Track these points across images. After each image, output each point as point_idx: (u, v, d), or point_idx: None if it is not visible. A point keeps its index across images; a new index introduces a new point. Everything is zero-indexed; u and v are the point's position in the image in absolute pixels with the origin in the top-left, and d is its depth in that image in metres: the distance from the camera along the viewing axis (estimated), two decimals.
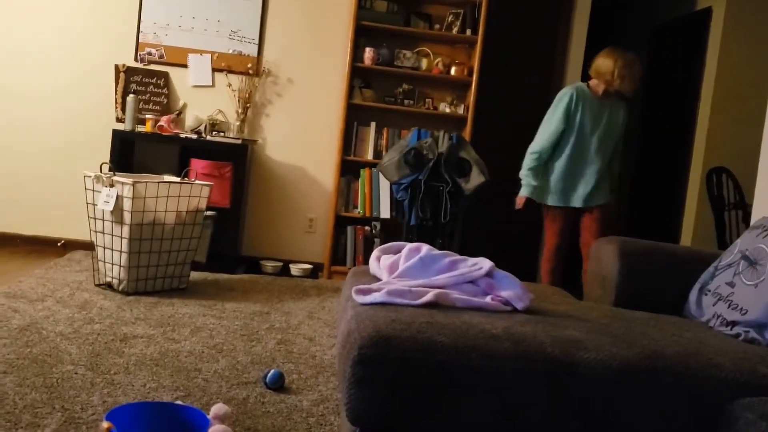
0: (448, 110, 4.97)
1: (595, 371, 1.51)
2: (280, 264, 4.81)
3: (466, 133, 4.84)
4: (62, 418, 2.11)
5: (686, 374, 1.57)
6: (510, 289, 1.90)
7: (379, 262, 2.09)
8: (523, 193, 3.85)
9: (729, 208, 4.68)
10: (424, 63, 4.92)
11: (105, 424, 1.41)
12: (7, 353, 2.60)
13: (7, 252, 4.48)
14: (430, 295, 1.77)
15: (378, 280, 2.03)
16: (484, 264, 1.95)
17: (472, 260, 1.97)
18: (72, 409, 2.17)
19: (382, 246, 2.18)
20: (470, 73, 4.87)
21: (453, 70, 4.90)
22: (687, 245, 5.33)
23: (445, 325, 1.59)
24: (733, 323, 2.01)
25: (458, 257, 1.99)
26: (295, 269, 4.78)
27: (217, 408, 2.14)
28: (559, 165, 3.79)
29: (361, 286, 1.83)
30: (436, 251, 2.00)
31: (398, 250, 2.13)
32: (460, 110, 4.95)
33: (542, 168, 3.82)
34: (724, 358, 1.65)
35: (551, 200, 3.82)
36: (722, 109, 5.12)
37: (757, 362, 1.66)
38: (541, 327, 1.69)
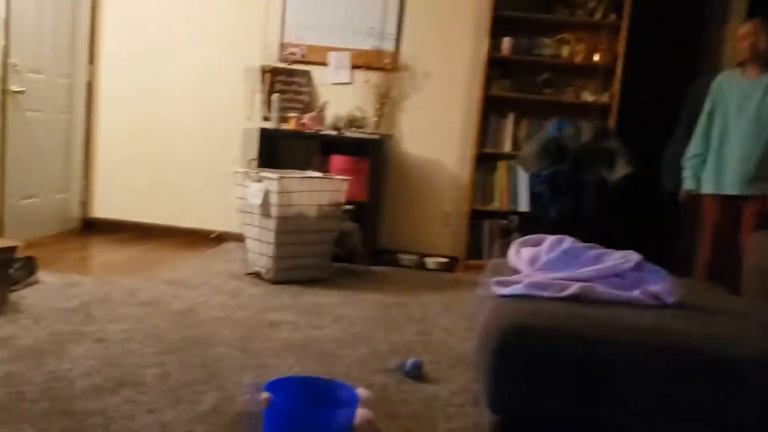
0: (590, 99, 4.79)
1: (751, 367, 1.43)
2: (417, 257, 4.86)
3: (611, 122, 4.66)
4: (218, 396, 2.27)
5: None
6: (659, 283, 1.82)
7: (518, 254, 2.07)
8: (684, 186, 3.68)
9: None
10: (564, 50, 4.78)
11: (265, 395, 1.51)
12: (169, 335, 2.84)
13: (166, 243, 4.86)
14: (574, 288, 1.73)
15: (517, 272, 2.02)
16: (632, 257, 1.88)
17: (618, 253, 1.91)
18: (227, 388, 2.34)
19: (523, 238, 2.16)
20: (614, 60, 4.68)
21: (596, 57, 4.73)
22: None
23: (589, 317, 1.56)
24: None
25: (604, 250, 1.93)
26: (431, 262, 4.82)
27: (360, 391, 2.21)
28: (710, 151, 3.57)
29: (501, 278, 1.83)
30: (581, 243, 1.95)
31: (539, 243, 2.10)
32: (604, 98, 4.76)
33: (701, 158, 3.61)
34: None
35: (704, 188, 3.60)
36: None
37: None
38: (693, 322, 1.61)
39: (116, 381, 2.32)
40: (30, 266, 3.36)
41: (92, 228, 5.11)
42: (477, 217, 4.84)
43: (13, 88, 4.17)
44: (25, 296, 3.16)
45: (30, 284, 3.29)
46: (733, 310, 1.84)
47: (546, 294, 1.71)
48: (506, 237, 4.81)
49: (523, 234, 4.69)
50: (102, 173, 5.16)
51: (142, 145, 5.11)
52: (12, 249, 3.17)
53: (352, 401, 1.79)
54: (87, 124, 5.08)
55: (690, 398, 1.43)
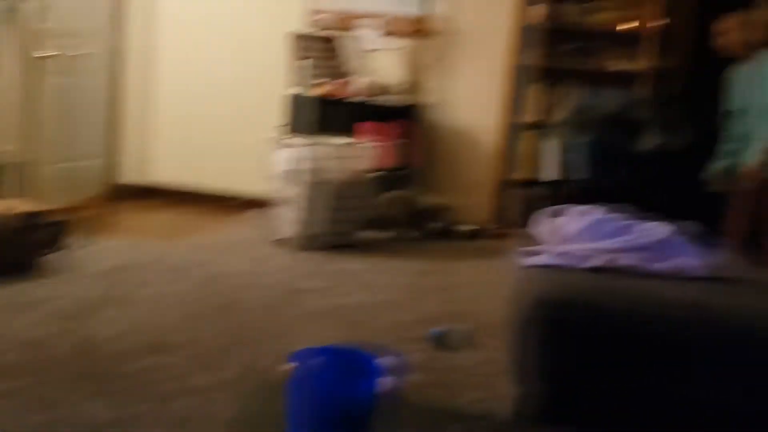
0: (627, 67, 4.65)
1: None
2: (445, 225, 4.83)
3: (648, 91, 4.52)
4: (245, 362, 2.28)
5: None
6: (691, 255, 1.76)
7: (547, 224, 2.03)
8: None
9: None
10: (600, 17, 4.63)
11: (289, 365, 1.50)
12: (197, 300, 2.86)
13: (193, 208, 4.89)
14: (599, 259, 1.69)
15: (546, 242, 1.97)
16: (663, 229, 1.82)
17: (649, 224, 1.85)
18: (254, 354, 2.35)
19: (550, 208, 2.11)
20: (652, 27, 4.52)
21: (633, 24, 4.57)
22: None
23: (619, 290, 1.53)
24: None
25: (634, 220, 1.87)
26: (459, 231, 4.78)
27: (388, 359, 2.21)
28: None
29: (529, 248, 1.79)
30: (611, 213, 1.90)
31: (566, 213, 2.05)
32: (641, 66, 4.62)
33: None
34: None
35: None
36: None
37: None
38: (732, 297, 1.56)
39: (144, 345, 2.35)
40: (59, 230, 3.39)
41: (128, 193, 5.16)
42: (506, 186, 4.77)
43: (50, 52, 4.19)
44: (54, 260, 3.21)
45: (59, 248, 3.33)
46: None
47: (572, 263, 1.67)
48: (535, 205, 4.73)
49: (551, 204, 4.62)
50: (144, 138, 5.19)
51: (188, 108, 5.10)
52: (41, 213, 3.20)
53: (379, 370, 1.78)
54: (118, 90, 5.11)
55: (730, 377, 1.38)
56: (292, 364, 1.61)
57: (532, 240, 2.03)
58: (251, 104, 5.04)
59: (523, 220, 4.86)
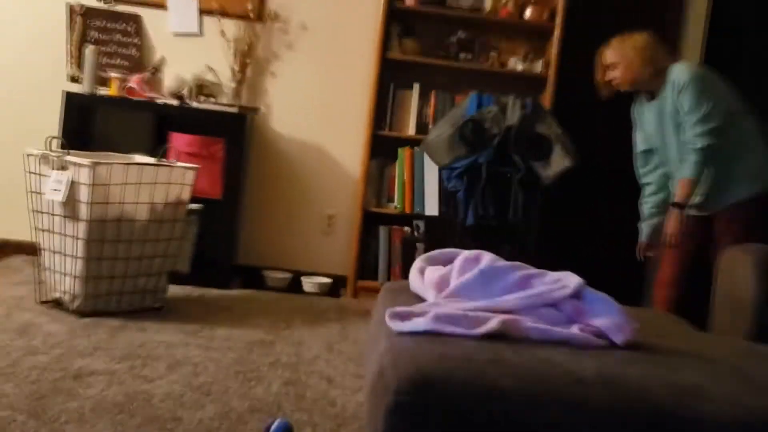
0: (520, 67, 4.92)
1: (720, 426, 1.50)
2: (289, 276, 4.83)
3: (546, 100, 4.80)
4: None
5: None
6: (606, 316, 1.88)
7: (424, 275, 2.09)
8: None
9: None
10: (488, 2, 4.89)
11: None
12: None
13: None
14: (494, 322, 1.76)
15: (421, 299, 2.03)
16: (570, 281, 1.93)
17: (553, 275, 1.96)
18: None
19: (428, 254, 2.17)
20: (552, 17, 4.83)
21: (528, 13, 4.86)
22: None
23: (513, 363, 1.59)
24: None
25: (533, 271, 1.97)
26: (308, 284, 4.79)
27: None
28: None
29: (399, 309, 1.83)
30: (503, 262, 1.98)
31: (450, 260, 2.13)
32: (538, 67, 4.90)
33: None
34: None
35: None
36: None
37: None
38: (648, 368, 1.68)
39: None
40: None
41: None
42: (371, 222, 4.86)
43: None
44: None
45: None
46: (699, 351, 1.93)
47: (457, 331, 1.72)
48: (409, 249, 4.86)
49: (432, 246, 4.76)
50: None
51: None
52: None
53: None
54: None
55: None
56: None
57: (403, 296, 2.08)
58: (9, 107, 4.82)
59: (395, 268, 5.01)
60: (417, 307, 1.86)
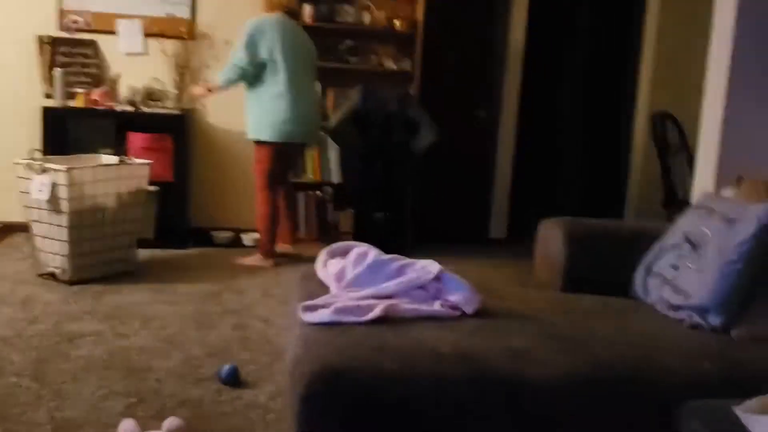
0: (394, 66, 4.83)
1: (543, 387, 1.51)
2: (232, 234, 4.70)
3: (414, 90, 4.73)
4: None
5: (636, 381, 1.58)
6: (459, 292, 1.87)
7: (327, 267, 2.03)
8: None
9: (673, 152, 4.70)
10: (366, 17, 4.74)
11: None
12: None
13: None
14: (378, 310, 1.73)
15: (326, 287, 1.98)
16: (432, 267, 1.91)
17: (420, 263, 1.94)
18: (17, 429, 2.10)
19: (329, 248, 2.12)
20: (414, 26, 4.72)
21: (397, 24, 4.74)
22: (634, 198, 5.39)
23: (395, 347, 1.56)
24: (678, 307, 2.03)
25: (406, 261, 1.95)
26: (247, 239, 4.68)
27: (169, 423, 2.11)
28: None
29: (308, 302, 1.78)
30: (384, 256, 1.95)
31: (346, 252, 2.08)
32: (407, 65, 4.82)
33: None
34: (673, 357, 1.67)
35: None
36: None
37: (705, 358, 1.69)
38: (489, 336, 1.67)
39: None
40: None
41: None
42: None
43: None
44: None
45: None
46: (527, 311, 1.94)
47: (352, 319, 1.69)
48: (322, 208, 4.76)
49: (338, 205, 4.68)
50: None
51: None
52: None
53: None
54: None
55: (499, 426, 1.49)
56: None
57: (313, 283, 2.03)
58: (9, 120, 4.47)
59: (312, 222, 4.88)
60: (321, 300, 1.81)
